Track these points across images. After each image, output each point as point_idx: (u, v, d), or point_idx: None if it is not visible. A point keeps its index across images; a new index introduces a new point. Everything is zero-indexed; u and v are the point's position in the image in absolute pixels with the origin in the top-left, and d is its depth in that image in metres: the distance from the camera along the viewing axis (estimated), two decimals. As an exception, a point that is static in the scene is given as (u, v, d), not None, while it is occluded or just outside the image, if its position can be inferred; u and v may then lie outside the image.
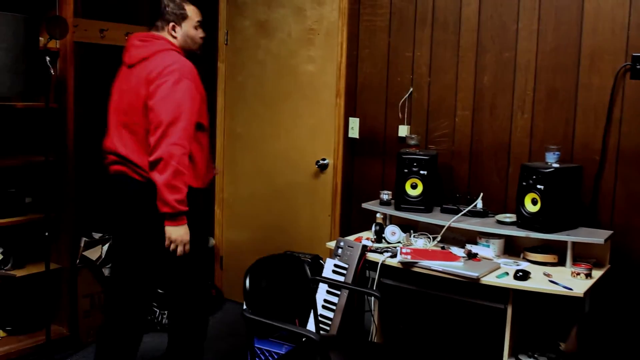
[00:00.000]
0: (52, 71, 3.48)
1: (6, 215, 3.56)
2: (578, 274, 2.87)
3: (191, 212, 2.86)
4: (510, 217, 3.23)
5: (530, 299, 2.92)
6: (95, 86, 4.29)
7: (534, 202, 3.05)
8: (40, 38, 3.51)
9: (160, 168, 2.74)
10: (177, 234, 2.83)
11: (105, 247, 3.92)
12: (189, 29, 3.05)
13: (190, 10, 3.07)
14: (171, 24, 3.00)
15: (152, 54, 2.91)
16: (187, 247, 2.88)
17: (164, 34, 3.01)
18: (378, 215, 3.53)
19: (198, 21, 3.09)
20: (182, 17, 3.02)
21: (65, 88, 3.68)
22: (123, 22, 4.41)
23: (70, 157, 3.73)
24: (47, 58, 3.43)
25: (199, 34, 3.11)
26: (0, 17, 3.02)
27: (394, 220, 3.52)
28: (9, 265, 3.65)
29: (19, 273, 3.63)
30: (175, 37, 3.01)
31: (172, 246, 2.85)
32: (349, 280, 3.14)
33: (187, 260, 2.96)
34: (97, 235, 4.00)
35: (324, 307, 3.22)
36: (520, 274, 2.83)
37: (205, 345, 3.23)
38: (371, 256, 3.19)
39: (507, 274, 2.90)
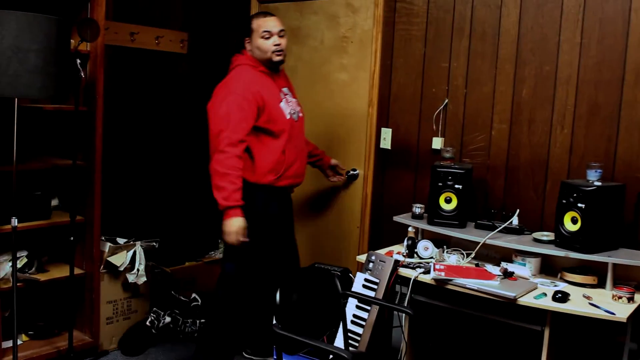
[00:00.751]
0: (82, 74, 3.44)
1: (31, 218, 3.51)
2: (620, 297, 2.75)
3: (247, 205, 3.16)
4: (547, 236, 3.13)
5: (567, 321, 2.81)
6: (123, 89, 4.25)
7: (574, 220, 2.95)
8: (71, 40, 3.47)
9: (211, 174, 3.14)
10: (226, 227, 3.12)
11: (130, 253, 3.86)
12: (256, 41, 3.32)
13: (255, 23, 3.35)
14: (247, 39, 3.37)
15: (232, 68, 3.36)
16: (240, 238, 3.15)
17: (247, 49, 3.38)
18: (410, 229, 3.44)
19: (264, 31, 3.30)
20: (250, 31, 3.35)
21: (95, 91, 3.63)
22: (154, 25, 4.38)
23: (97, 160, 3.68)
24: (78, 60, 3.39)
25: (267, 43, 3.31)
26: (32, 18, 2.97)
27: (426, 235, 3.43)
28: (33, 269, 3.60)
29: (42, 277, 3.58)
30: (250, 50, 3.36)
31: (226, 238, 3.15)
32: (380, 296, 3.05)
33: (236, 253, 3.30)
34: (122, 241, 3.94)
35: (353, 322, 3.13)
36: (560, 295, 2.72)
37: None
38: (403, 271, 3.09)
39: (545, 294, 2.79)
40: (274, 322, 2.52)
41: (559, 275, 3.07)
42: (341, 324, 2.93)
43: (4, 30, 2.91)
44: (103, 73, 3.67)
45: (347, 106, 4.16)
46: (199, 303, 4.12)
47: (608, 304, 2.71)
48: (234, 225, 3.12)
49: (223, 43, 4.70)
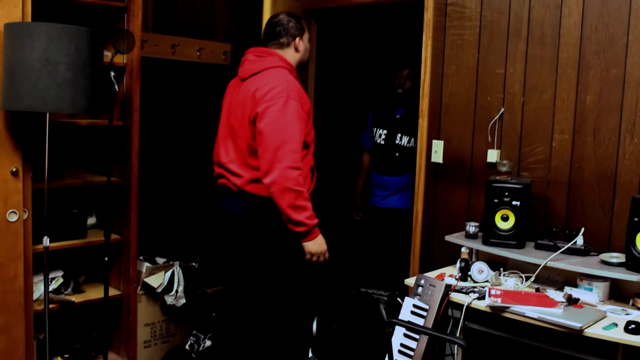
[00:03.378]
0: (115, 87, 3.32)
1: (67, 237, 3.41)
2: (703, 328, 2.43)
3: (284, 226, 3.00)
4: (617, 257, 2.82)
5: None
6: (163, 103, 4.13)
7: (648, 241, 2.64)
8: (106, 52, 3.36)
9: (279, 193, 2.86)
10: (316, 246, 2.99)
11: (169, 273, 3.72)
12: (307, 42, 3.25)
13: (304, 24, 3.26)
14: (297, 39, 3.17)
15: (262, 69, 3.06)
16: (327, 254, 3.06)
17: (288, 50, 3.16)
18: (463, 249, 3.18)
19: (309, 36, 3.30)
20: (303, 31, 3.21)
21: (131, 105, 3.51)
22: (196, 37, 4.26)
23: (134, 177, 3.55)
24: (112, 73, 3.28)
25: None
26: (62, 30, 2.86)
27: (481, 256, 3.16)
28: (69, 289, 3.49)
29: (78, 299, 3.46)
30: (299, 51, 3.19)
31: (314, 258, 3.02)
32: (430, 324, 2.80)
33: (281, 277, 3.12)
34: (160, 261, 3.81)
35: (400, 352, 2.88)
36: (633, 326, 2.42)
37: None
38: (455, 297, 2.83)
39: (615, 325, 2.50)
40: (310, 354, 2.31)
41: (631, 302, 2.77)
42: (387, 355, 2.69)
43: (33, 43, 2.83)
44: (140, 86, 3.55)
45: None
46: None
47: (689, 336, 2.40)
48: (324, 243, 3.03)
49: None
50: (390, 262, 4.38)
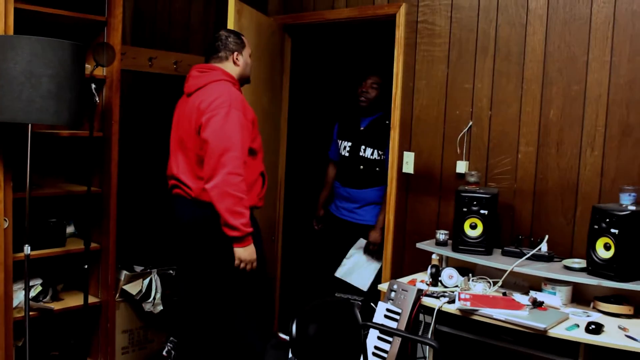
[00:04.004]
0: (96, 99, 3.39)
1: (46, 245, 3.46)
2: (658, 329, 2.59)
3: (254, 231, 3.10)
4: (579, 263, 2.98)
5: (601, 354, 2.64)
6: (141, 115, 4.20)
7: (607, 247, 2.80)
8: (87, 65, 3.43)
9: (219, 196, 2.95)
10: (246, 253, 3.05)
11: (147, 281, 3.78)
12: (247, 57, 3.34)
13: (246, 40, 3.36)
14: (235, 53, 3.27)
15: (206, 84, 3.16)
16: (255, 264, 3.10)
17: (227, 64, 3.26)
18: (434, 256, 3.31)
19: (250, 52, 3.38)
20: (242, 46, 3.31)
21: (111, 116, 3.58)
22: (173, 50, 4.34)
23: (113, 187, 3.62)
24: (93, 85, 3.36)
25: (251, 62, 3.40)
26: (46, 43, 2.93)
27: (450, 262, 3.30)
28: (48, 297, 3.53)
29: (57, 306, 3.50)
30: (238, 65, 3.28)
31: (242, 265, 3.06)
32: (402, 327, 2.92)
33: (248, 279, 3.15)
34: (138, 269, 3.87)
35: (374, 354, 2.99)
36: (593, 327, 2.57)
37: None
38: (426, 301, 2.96)
39: (577, 326, 2.64)
40: (290, 355, 2.40)
41: (591, 305, 2.92)
42: (362, 356, 2.80)
43: (17, 56, 2.88)
44: (119, 98, 3.62)
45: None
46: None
47: (646, 336, 2.56)
48: (254, 252, 3.09)
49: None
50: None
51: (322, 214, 4.65)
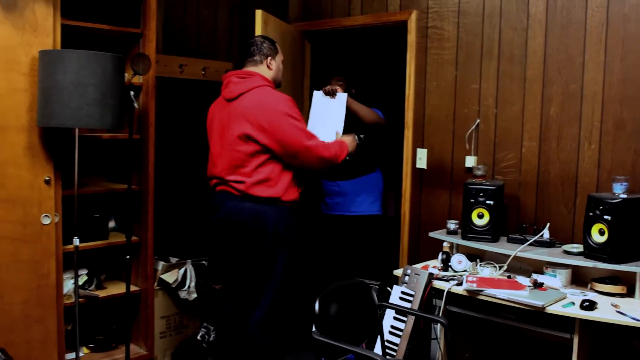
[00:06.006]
0: (135, 104, 3.72)
1: (91, 239, 3.78)
2: (647, 305, 2.85)
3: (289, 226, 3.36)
4: (577, 248, 3.24)
5: (597, 329, 2.92)
6: (173, 118, 4.53)
7: (601, 232, 3.06)
8: (125, 74, 3.76)
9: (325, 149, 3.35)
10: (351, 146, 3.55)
11: (182, 271, 4.10)
12: (279, 63, 3.58)
13: (279, 47, 3.59)
14: (269, 58, 3.51)
15: (249, 89, 3.37)
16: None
17: (261, 67, 3.50)
18: (445, 244, 3.59)
19: (282, 58, 3.61)
20: (275, 52, 3.55)
21: (147, 120, 3.91)
22: (201, 57, 4.66)
23: (150, 185, 3.94)
24: (132, 92, 3.68)
25: (282, 68, 3.64)
26: (92, 56, 3.25)
27: (460, 249, 3.57)
28: (93, 286, 3.87)
29: (101, 294, 3.84)
30: (271, 69, 3.51)
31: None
32: (415, 307, 3.21)
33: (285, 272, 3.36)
34: (174, 260, 4.20)
35: (390, 332, 3.29)
36: (587, 303, 2.84)
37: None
38: (437, 284, 3.25)
39: (573, 303, 2.91)
40: (313, 329, 2.70)
41: (589, 286, 3.17)
42: (379, 335, 3.09)
43: (66, 68, 3.21)
44: (154, 103, 3.95)
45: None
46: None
47: (636, 311, 2.81)
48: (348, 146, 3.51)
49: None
50: (372, 265, 4.52)
51: None
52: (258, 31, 3.98)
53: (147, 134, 3.92)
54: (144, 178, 3.96)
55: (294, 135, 3.27)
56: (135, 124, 3.92)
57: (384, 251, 4.61)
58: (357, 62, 5.87)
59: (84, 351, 3.90)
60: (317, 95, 3.94)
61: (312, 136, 3.34)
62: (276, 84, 3.57)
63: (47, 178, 3.47)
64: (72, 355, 3.62)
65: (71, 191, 3.50)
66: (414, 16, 4.09)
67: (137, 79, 3.87)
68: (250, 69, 3.50)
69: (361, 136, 3.77)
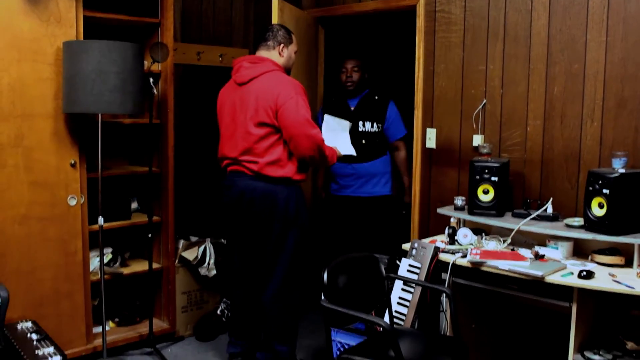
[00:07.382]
0: (154, 91, 3.90)
1: (115, 219, 3.99)
2: (643, 274, 2.97)
3: (300, 204, 3.57)
4: (578, 221, 3.35)
5: (597, 299, 3.04)
6: (192, 103, 4.71)
7: (601, 206, 3.17)
8: (144, 62, 3.93)
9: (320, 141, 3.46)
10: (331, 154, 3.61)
11: (202, 248, 4.29)
12: (292, 52, 3.71)
13: (294, 38, 3.74)
14: (281, 45, 3.64)
15: (260, 74, 3.52)
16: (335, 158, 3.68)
17: (273, 53, 3.64)
18: (452, 219, 3.72)
19: (296, 49, 3.76)
20: (289, 41, 3.69)
21: (166, 106, 4.09)
22: (218, 44, 4.82)
23: (170, 167, 4.13)
24: (151, 79, 3.85)
25: (295, 58, 3.78)
26: (112, 45, 3.42)
27: (467, 225, 3.70)
28: (117, 263, 4.07)
29: (125, 271, 4.05)
30: (282, 56, 3.65)
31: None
32: (422, 278, 3.36)
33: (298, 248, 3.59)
34: (194, 238, 4.39)
35: (398, 303, 3.45)
36: (585, 273, 2.96)
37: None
38: (443, 257, 3.39)
39: (571, 273, 3.03)
40: (322, 298, 2.86)
41: (589, 258, 3.29)
42: (387, 306, 3.25)
43: (89, 57, 3.39)
44: (173, 89, 4.12)
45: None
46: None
47: (631, 280, 2.93)
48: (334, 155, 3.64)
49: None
50: (386, 242, 4.63)
51: (324, 197, 4.90)
52: (275, 18, 4.12)
53: (167, 119, 4.10)
54: (164, 161, 4.14)
55: (294, 115, 3.39)
56: (155, 110, 4.10)
57: (396, 228, 4.76)
58: (369, 46, 5.99)
59: (110, 325, 4.12)
60: (328, 118, 4.02)
61: (314, 126, 3.44)
62: (286, 72, 3.67)
63: (73, 162, 3.67)
64: (99, 328, 3.83)
65: (95, 174, 3.70)
66: (422, 0, 4.20)
67: (156, 67, 4.04)
68: (262, 53, 3.65)
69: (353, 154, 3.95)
